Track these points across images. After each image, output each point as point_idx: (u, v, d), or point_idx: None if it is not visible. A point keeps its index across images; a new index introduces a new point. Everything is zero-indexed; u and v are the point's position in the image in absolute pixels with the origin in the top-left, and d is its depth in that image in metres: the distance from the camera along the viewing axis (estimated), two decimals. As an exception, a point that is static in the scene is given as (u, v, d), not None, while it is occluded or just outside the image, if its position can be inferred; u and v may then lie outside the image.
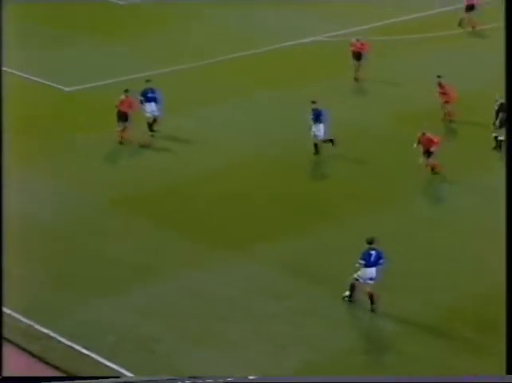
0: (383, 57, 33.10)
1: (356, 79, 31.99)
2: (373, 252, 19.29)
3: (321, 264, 20.74)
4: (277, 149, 26.51)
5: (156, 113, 27.41)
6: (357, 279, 19.34)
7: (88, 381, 13.87)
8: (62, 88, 31.07)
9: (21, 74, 31.59)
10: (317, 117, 25.89)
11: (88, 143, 26.90)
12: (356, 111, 29.35)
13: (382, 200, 23.80)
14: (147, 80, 27.71)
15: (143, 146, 26.78)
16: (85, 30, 36.86)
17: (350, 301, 19.49)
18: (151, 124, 27.44)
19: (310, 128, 25.94)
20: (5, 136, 26.37)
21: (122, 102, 26.80)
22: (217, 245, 21.66)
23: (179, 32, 37.12)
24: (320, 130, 25.95)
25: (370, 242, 19.37)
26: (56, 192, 24.05)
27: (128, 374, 16.72)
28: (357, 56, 32.08)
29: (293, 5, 39.32)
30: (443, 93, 28.32)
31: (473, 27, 37.01)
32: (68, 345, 17.71)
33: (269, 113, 29.49)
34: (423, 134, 25.15)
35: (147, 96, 27.33)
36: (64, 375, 16.45)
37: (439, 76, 28.39)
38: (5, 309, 18.18)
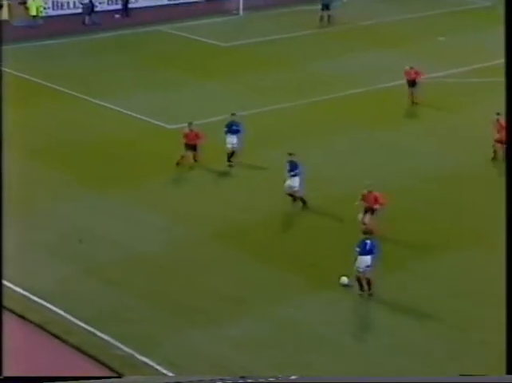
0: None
1: (413, 103, 33.77)
2: (368, 241, 21.10)
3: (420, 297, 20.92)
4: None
5: (236, 146, 28.33)
6: (358, 270, 21.02)
7: (89, 381, 13.96)
8: (163, 125, 32.09)
9: (127, 112, 32.93)
10: (293, 169, 25.55)
11: (186, 177, 27.69)
12: (452, 152, 29.60)
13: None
14: (233, 114, 28.87)
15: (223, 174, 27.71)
16: (189, 71, 38.04)
17: (362, 292, 21.06)
18: (230, 156, 28.39)
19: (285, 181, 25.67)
20: (113, 167, 27.53)
21: (187, 135, 27.99)
22: (310, 279, 22.00)
23: (280, 72, 37.96)
24: (295, 182, 25.54)
25: (366, 233, 21.40)
26: (155, 224, 24.76)
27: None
28: (412, 83, 33.75)
29: (393, 48, 39.83)
30: (499, 130, 27.76)
31: None
32: (163, 373, 18.36)
33: (367, 151, 29.95)
34: (370, 191, 24.08)
35: (231, 129, 28.37)
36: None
37: (497, 114, 27.66)
38: (114, 341, 19.08)
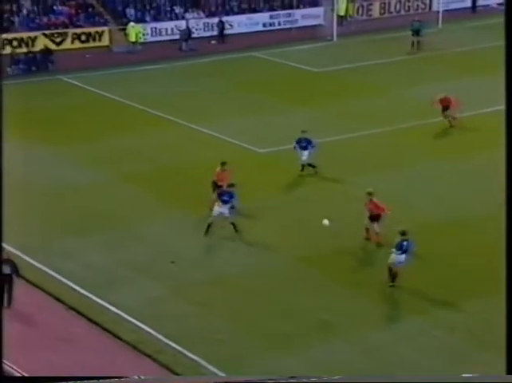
0: None
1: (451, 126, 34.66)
2: (405, 243, 22.54)
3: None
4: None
5: (306, 159, 30.19)
6: (392, 264, 22.63)
7: (89, 381, 14.09)
8: (255, 149, 32.75)
9: (221, 136, 33.78)
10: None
11: (269, 202, 28.12)
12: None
13: None
14: (303, 131, 30.19)
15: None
16: (282, 96, 38.71)
17: (392, 286, 22.59)
18: (304, 167, 30.34)
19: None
20: (205, 191, 28.18)
21: (218, 174, 27.37)
22: (398, 305, 22.26)
23: (370, 98, 38.29)
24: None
25: (403, 233, 22.55)
26: (241, 248, 25.29)
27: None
28: (445, 108, 34.76)
29: (486, 74, 39.58)
30: None
31: None
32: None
33: (448, 181, 29.98)
34: (370, 200, 25.10)
35: (301, 145, 30.15)
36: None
37: None
38: (202, 361, 19.63)
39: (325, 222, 24.74)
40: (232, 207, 26.12)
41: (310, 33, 49.47)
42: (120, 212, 26.77)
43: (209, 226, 25.78)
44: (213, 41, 49.25)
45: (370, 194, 25.17)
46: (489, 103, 35.64)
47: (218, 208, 25.78)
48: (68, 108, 37.76)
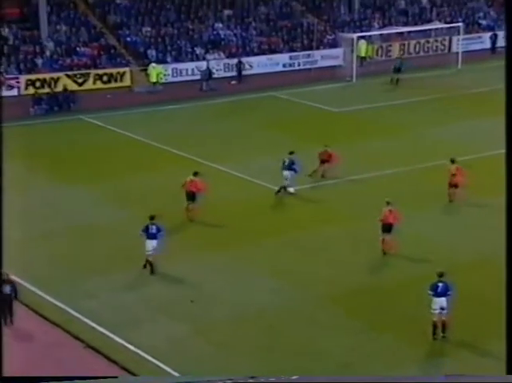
0: None
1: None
2: (440, 284, 21.65)
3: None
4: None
5: (288, 182, 31.61)
6: (433, 312, 21.56)
7: (88, 381, 13.98)
8: (273, 188, 32.87)
9: (242, 176, 34.02)
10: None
11: (295, 239, 28.09)
12: None
13: None
14: (291, 152, 31.77)
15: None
16: (301, 136, 38.89)
17: (434, 338, 21.58)
18: (281, 189, 31.69)
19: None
20: (226, 229, 28.21)
21: (188, 183, 29.47)
22: (425, 350, 21.88)
23: (387, 139, 38.41)
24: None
25: (440, 275, 21.79)
26: (265, 285, 25.22)
27: None
28: (324, 162, 35.77)
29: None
30: None
31: None
32: None
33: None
34: (390, 211, 26.41)
35: (284, 165, 31.63)
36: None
37: None
38: None
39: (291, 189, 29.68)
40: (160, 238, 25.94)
41: (330, 74, 49.85)
42: (143, 250, 26.84)
43: (147, 262, 25.76)
44: (233, 82, 49.71)
45: (388, 203, 26.66)
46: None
47: (150, 242, 25.79)
48: (90, 147, 38.10)
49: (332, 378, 16.24)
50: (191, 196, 29.55)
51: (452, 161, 31.59)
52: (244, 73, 50.15)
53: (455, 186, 31.23)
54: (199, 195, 29.64)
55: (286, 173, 31.59)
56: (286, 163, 31.61)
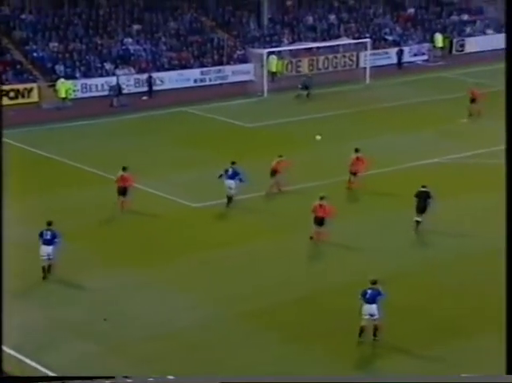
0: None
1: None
2: (369, 291, 21.94)
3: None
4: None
5: (233, 191, 31.63)
6: (363, 318, 21.93)
7: (88, 381, 13.83)
8: (189, 204, 32.58)
9: (154, 191, 33.50)
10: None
11: (213, 256, 27.84)
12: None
13: None
14: (233, 162, 31.80)
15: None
16: (214, 151, 38.69)
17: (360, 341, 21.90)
18: (229, 201, 31.86)
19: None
20: (141, 246, 27.69)
21: (119, 178, 31.24)
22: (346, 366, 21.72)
23: (296, 153, 38.52)
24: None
25: (373, 282, 22.09)
26: (183, 303, 24.92)
27: None
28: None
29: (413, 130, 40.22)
30: None
31: None
32: None
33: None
34: (320, 205, 27.94)
35: (228, 174, 31.63)
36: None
37: None
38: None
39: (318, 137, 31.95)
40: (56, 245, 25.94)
41: (241, 89, 49.92)
42: (57, 270, 26.15)
43: (44, 268, 25.78)
44: (144, 97, 49.30)
45: (322, 198, 28.17)
46: (418, 156, 36.37)
47: (45, 248, 25.72)
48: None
49: (332, 378, 16.06)
50: (122, 191, 31.17)
51: (356, 150, 33.97)
52: (155, 88, 49.82)
53: (354, 174, 33.54)
54: (130, 189, 31.26)
55: (230, 182, 31.51)
56: (230, 173, 31.55)
